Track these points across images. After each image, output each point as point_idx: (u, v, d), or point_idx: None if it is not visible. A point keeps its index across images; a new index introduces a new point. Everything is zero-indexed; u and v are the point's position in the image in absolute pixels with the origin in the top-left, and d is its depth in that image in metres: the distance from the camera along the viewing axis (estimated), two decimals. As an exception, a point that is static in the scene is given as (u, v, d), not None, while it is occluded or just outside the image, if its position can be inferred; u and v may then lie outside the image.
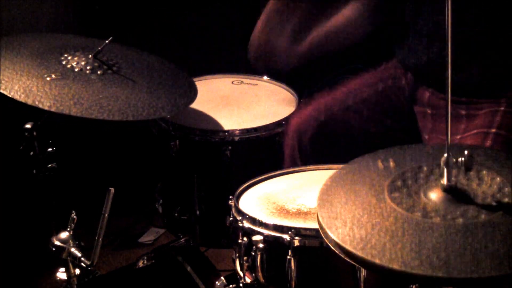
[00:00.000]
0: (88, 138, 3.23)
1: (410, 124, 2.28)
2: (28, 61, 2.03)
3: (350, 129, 2.30)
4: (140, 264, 2.35)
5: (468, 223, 1.32)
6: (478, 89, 2.12)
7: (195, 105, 2.33)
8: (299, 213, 1.89)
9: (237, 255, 1.87)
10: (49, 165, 2.09)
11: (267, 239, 1.79)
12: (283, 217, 1.87)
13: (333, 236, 1.36)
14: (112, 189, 1.76)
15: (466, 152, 1.37)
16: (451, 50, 1.35)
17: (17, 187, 2.84)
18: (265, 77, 2.71)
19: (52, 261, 1.93)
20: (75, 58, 2.09)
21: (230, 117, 2.46)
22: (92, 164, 3.28)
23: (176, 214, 2.50)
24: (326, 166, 2.10)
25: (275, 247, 1.78)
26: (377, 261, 1.27)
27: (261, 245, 1.78)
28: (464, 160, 1.37)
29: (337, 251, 1.35)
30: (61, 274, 1.93)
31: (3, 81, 1.91)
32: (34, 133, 2.04)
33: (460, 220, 1.33)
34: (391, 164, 1.54)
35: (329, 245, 1.37)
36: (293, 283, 1.76)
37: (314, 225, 1.77)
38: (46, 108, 1.87)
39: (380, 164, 1.54)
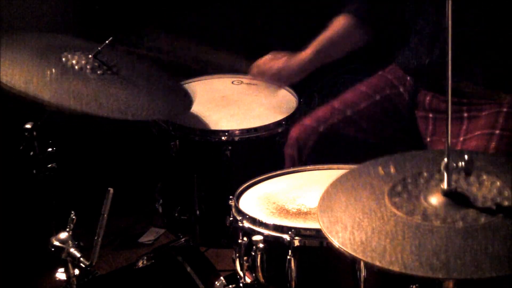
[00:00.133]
0: (88, 138, 3.23)
1: (410, 130, 2.28)
2: (28, 56, 2.03)
3: (349, 140, 2.30)
4: (140, 264, 2.35)
5: (468, 226, 1.33)
6: (479, 90, 2.12)
7: (195, 105, 2.33)
8: (299, 213, 1.89)
9: (237, 255, 1.87)
10: (49, 165, 2.09)
11: (267, 239, 1.79)
12: (283, 217, 1.87)
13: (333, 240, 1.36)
14: (111, 189, 1.75)
15: (466, 156, 1.37)
16: (451, 51, 1.35)
17: (17, 187, 2.84)
18: (265, 77, 2.71)
19: (52, 261, 1.93)
20: (75, 57, 2.09)
21: (230, 117, 2.46)
22: (92, 164, 3.28)
23: (176, 214, 2.50)
24: (326, 166, 2.10)
25: (275, 247, 1.78)
26: (377, 263, 1.28)
27: (261, 245, 1.78)
28: (464, 164, 1.37)
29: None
30: (61, 274, 1.93)
31: (3, 70, 1.90)
32: (34, 133, 2.04)
33: (460, 223, 1.34)
34: (392, 169, 1.54)
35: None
36: (293, 283, 1.76)
37: (314, 225, 1.78)
38: (46, 99, 1.86)
39: (380, 170, 1.55)
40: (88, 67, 2.07)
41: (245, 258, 1.84)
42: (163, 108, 2.14)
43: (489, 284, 1.25)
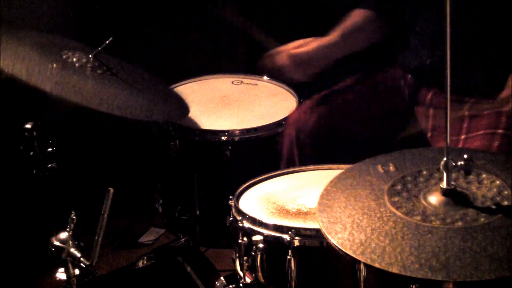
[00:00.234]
0: (88, 138, 3.23)
1: (409, 125, 2.28)
2: (29, 51, 2.02)
3: (350, 123, 2.30)
4: (140, 264, 2.35)
5: (468, 226, 1.33)
6: (480, 89, 2.12)
7: (195, 105, 2.32)
8: (299, 213, 1.89)
9: (237, 255, 1.87)
10: (49, 165, 2.09)
11: (267, 239, 1.79)
12: (283, 217, 1.87)
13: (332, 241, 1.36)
14: (112, 189, 1.75)
15: (465, 155, 1.37)
16: (451, 51, 1.35)
17: (17, 187, 2.84)
18: (265, 77, 2.71)
19: (52, 261, 1.93)
20: (76, 55, 2.09)
21: (230, 117, 2.46)
22: (92, 164, 3.28)
23: (176, 214, 2.50)
24: (326, 166, 2.10)
25: (275, 247, 1.78)
26: (376, 265, 1.28)
27: (261, 245, 1.78)
28: (464, 163, 1.37)
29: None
30: (61, 274, 1.93)
31: (4, 60, 1.90)
32: (34, 133, 2.04)
33: (460, 224, 1.34)
34: (391, 168, 1.54)
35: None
36: (293, 283, 1.76)
37: (314, 225, 1.78)
38: (47, 90, 1.86)
39: (380, 168, 1.55)
40: (88, 66, 2.07)
41: (245, 258, 1.84)
42: (161, 109, 2.14)
43: (489, 283, 1.24)
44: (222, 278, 2.26)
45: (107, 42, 2.11)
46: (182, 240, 2.53)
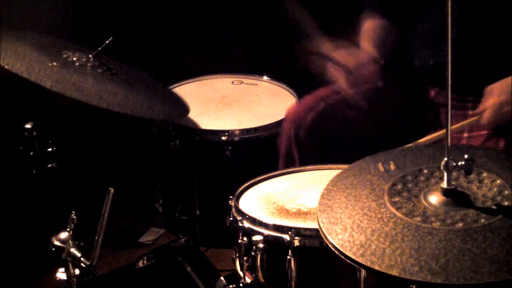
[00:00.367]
0: (88, 138, 3.23)
1: (409, 121, 2.28)
2: (29, 50, 2.03)
3: (348, 119, 2.29)
4: (140, 264, 2.35)
5: (468, 228, 1.32)
6: (480, 89, 2.12)
7: (195, 105, 2.32)
8: (299, 213, 1.89)
9: (237, 255, 1.87)
10: (49, 165, 2.09)
11: (267, 239, 1.79)
12: (283, 217, 1.87)
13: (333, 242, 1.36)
14: (112, 189, 1.75)
15: (466, 155, 1.37)
16: (452, 51, 1.35)
17: (17, 187, 2.84)
18: (265, 77, 2.71)
19: (52, 261, 1.93)
20: (76, 55, 2.09)
21: (230, 117, 2.46)
22: (92, 164, 3.28)
23: (176, 214, 2.50)
24: (326, 166, 2.10)
25: (275, 247, 1.78)
26: (376, 267, 1.27)
27: (261, 245, 1.78)
28: (464, 163, 1.37)
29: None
30: (61, 274, 1.93)
31: (5, 58, 1.90)
32: (34, 133, 2.04)
33: (460, 225, 1.33)
34: (392, 166, 1.54)
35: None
36: (293, 283, 1.76)
37: (314, 225, 1.77)
38: (48, 86, 1.86)
39: (380, 166, 1.55)
40: (88, 65, 2.07)
41: (245, 258, 1.84)
42: (161, 108, 2.14)
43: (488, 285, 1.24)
44: (222, 278, 2.26)
45: (107, 42, 2.11)
46: (182, 240, 2.53)
